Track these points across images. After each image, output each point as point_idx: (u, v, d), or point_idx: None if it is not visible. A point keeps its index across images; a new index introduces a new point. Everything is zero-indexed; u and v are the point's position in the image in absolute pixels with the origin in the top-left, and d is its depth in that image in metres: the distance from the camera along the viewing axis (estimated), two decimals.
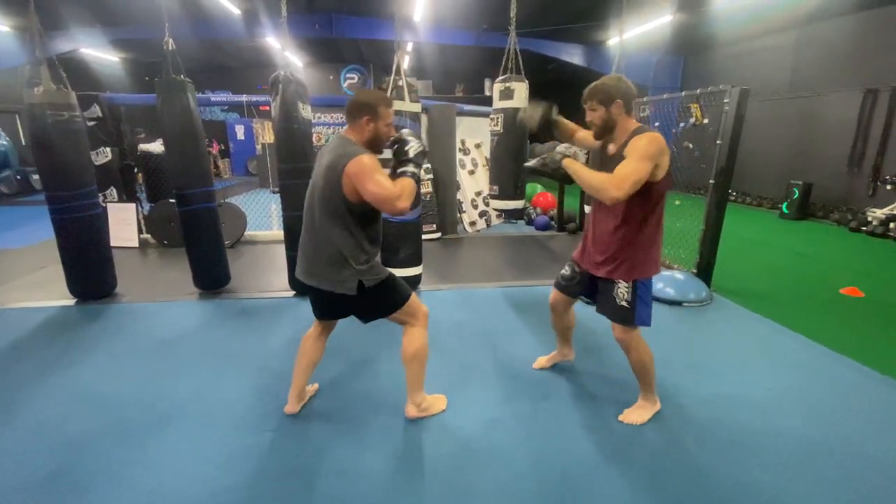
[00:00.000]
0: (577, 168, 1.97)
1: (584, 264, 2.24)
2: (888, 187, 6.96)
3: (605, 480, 1.84)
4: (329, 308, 2.11)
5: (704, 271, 4.08)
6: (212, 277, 3.94)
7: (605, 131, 2.03)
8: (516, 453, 2.00)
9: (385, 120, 1.93)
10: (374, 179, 1.78)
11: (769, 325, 3.38)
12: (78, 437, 2.08)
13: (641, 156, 1.82)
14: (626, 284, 2.05)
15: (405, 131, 2.05)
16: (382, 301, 2.01)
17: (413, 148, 1.97)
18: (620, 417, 2.24)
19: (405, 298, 2.04)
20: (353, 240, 1.90)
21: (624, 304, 2.06)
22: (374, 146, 1.94)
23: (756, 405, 2.36)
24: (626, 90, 1.96)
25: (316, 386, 2.43)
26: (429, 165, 5.88)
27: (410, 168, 1.95)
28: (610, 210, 2.01)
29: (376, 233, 2.02)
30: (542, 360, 2.74)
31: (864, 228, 6.82)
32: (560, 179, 2.05)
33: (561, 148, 2.09)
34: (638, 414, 2.24)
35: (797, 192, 7.91)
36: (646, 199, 1.92)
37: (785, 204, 8.01)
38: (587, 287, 2.28)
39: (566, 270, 2.36)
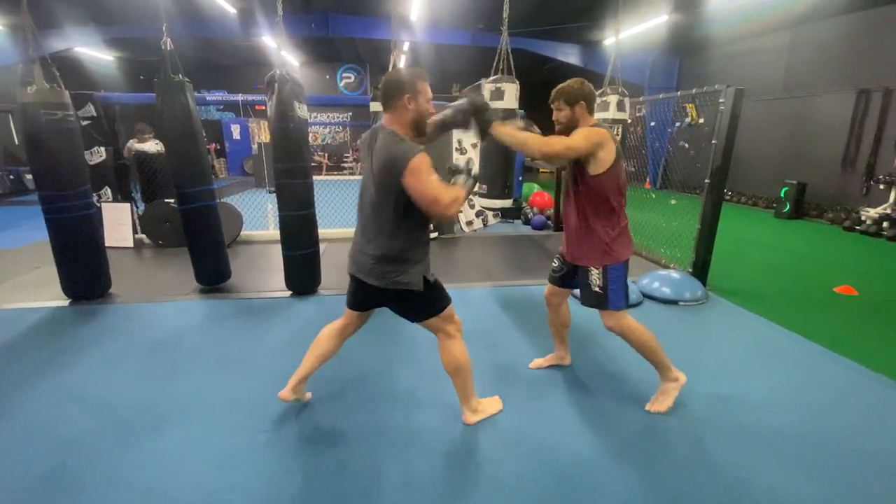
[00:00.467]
0: (507, 130, 2.04)
1: (566, 256, 2.38)
2: (881, 187, 7.01)
3: (601, 479, 1.85)
4: (368, 300, 2.10)
5: (700, 270, 4.09)
6: (213, 273, 4.02)
7: (569, 129, 2.16)
8: (512, 453, 2.00)
9: (426, 95, 1.87)
10: (427, 181, 1.76)
11: (764, 324, 3.40)
12: (73, 438, 2.07)
13: (578, 135, 2.06)
14: (597, 270, 2.18)
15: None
16: (433, 300, 2.01)
17: (463, 160, 2.01)
18: (647, 407, 2.30)
19: (447, 303, 2.04)
20: (408, 236, 1.89)
21: (597, 289, 2.19)
22: (418, 127, 1.88)
23: (751, 403, 2.38)
24: (589, 92, 2.15)
25: (309, 395, 2.38)
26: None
27: (462, 178, 1.93)
28: (572, 203, 2.23)
29: (427, 230, 2.02)
30: (538, 361, 2.76)
31: (857, 227, 6.87)
32: (483, 128, 2.05)
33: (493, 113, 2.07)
34: (661, 401, 2.31)
35: (783, 191, 7.97)
36: (593, 192, 2.13)
37: (787, 206, 8.04)
38: (572, 278, 2.40)
39: (555, 262, 2.50)
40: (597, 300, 2.20)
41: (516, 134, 2.04)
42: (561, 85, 2.17)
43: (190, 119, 3.61)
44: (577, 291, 2.37)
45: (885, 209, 6.77)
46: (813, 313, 3.63)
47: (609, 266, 2.17)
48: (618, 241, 2.18)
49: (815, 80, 8.31)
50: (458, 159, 2.04)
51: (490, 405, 2.30)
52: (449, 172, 1.98)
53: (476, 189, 6.93)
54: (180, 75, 3.55)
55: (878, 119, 7.20)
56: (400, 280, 1.89)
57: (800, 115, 8.62)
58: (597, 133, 2.05)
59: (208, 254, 3.93)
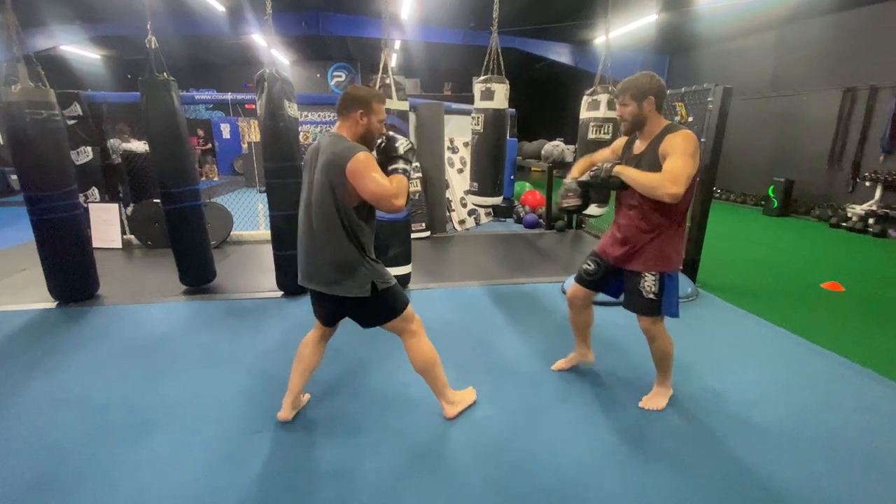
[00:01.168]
0: (629, 171, 1.99)
1: (609, 258, 2.25)
2: (867, 184, 7.12)
3: (594, 478, 1.86)
4: (334, 312, 2.06)
5: (690, 267, 4.13)
6: (197, 274, 3.98)
7: (635, 126, 2.07)
8: (507, 450, 2.01)
9: (378, 115, 1.90)
10: (371, 177, 1.76)
11: (753, 320, 3.44)
12: (61, 442, 2.04)
13: (684, 151, 1.89)
14: (652, 277, 2.10)
15: (391, 132, 2.03)
16: (388, 305, 1.97)
17: (403, 145, 1.95)
18: (641, 404, 2.33)
19: (405, 304, 2.02)
20: (360, 241, 1.88)
21: (651, 296, 2.11)
22: (366, 142, 1.91)
23: (740, 399, 2.40)
24: (659, 87, 2.01)
25: (307, 396, 2.38)
26: (417, 164, 5.87)
27: (401, 165, 1.92)
28: (638, 206, 2.08)
29: (374, 232, 1.99)
30: (560, 363, 2.71)
31: (844, 224, 6.98)
32: (613, 188, 2.08)
33: (605, 165, 2.10)
34: (656, 401, 2.34)
35: (771, 189, 8.07)
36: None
37: (775, 203, 8.13)
38: (609, 282, 2.33)
39: (589, 265, 2.36)
40: (650, 307, 2.13)
41: (640, 176, 1.96)
42: (628, 79, 2.04)
43: (175, 118, 3.57)
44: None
45: (870, 206, 6.88)
46: (800, 309, 3.68)
47: (666, 273, 2.10)
48: (677, 249, 2.13)
49: (803, 79, 8.42)
50: (396, 142, 2.06)
51: (466, 396, 2.31)
52: (383, 156, 1.94)
53: (468, 187, 6.93)
54: (165, 74, 3.50)
55: (864, 117, 7.30)
56: (350, 287, 1.87)
57: (787, 113, 8.73)
58: (691, 138, 1.92)
59: (192, 255, 3.89)
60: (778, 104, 8.90)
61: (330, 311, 2.07)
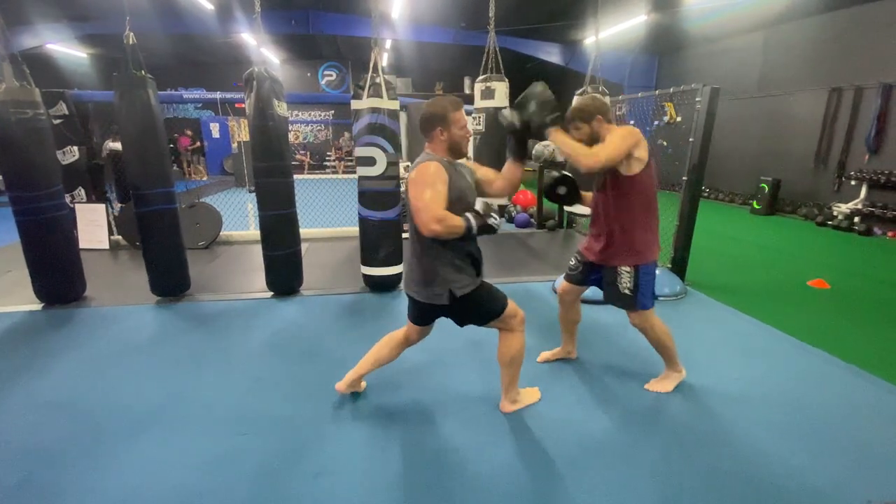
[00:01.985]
0: (560, 137, 2.06)
1: (588, 255, 2.39)
2: (853, 183, 7.23)
3: (578, 474, 1.87)
4: (424, 314, 2.12)
5: (679, 266, 4.17)
6: (170, 283, 3.76)
7: (593, 142, 2.20)
8: (500, 449, 2.02)
9: (458, 124, 1.92)
10: (421, 188, 1.80)
11: (741, 318, 3.48)
12: (48, 445, 2.01)
13: (615, 138, 2.09)
14: (627, 272, 2.22)
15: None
16: (475, 309, 2.03)
17: (490, 205, 1.94)
18: (647, 386, 2.45)
19: (501, 308, 2.05)
20: (438, 250, 1.92)
21: (626, 291, 2.24)
22: (454, 152, 1.95)
23: (728, 395, 2.43)
24: (602, 106, 2.20)
25: (364, 384, 2.43)
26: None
27: (473, 220, 1.82)
28: (606, 202, 2.24)
29: (467, 245, 1.97)
30: (545, 354, 2.81)
31: (830, 223, 7.08)
32: (553, 162, 2.18)
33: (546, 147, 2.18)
34: (663, 384, 2.44)
35: (766, 187, 8.16)
36: (630, 191, 2.17)
37: (755, 200, 8.25)
38: (589, 277, 2.45)
39: (572, 261, 2.52)
40: (624, 301, 2.27)
41: (568, 142, 2.06)
42: (573, 106, 2.27)
43: (151, 117, 3.41)
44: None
45: (856, 205, 6.98)
46: (787, 306, 3.73)
47: (640, 266, 2.21)
48: (650, 242, 2.23)
49: (789, 79, 8.52)
50: (485, 206, 2.05)
51: (529, 396, 2.37)
52: (482, 207, 1.90)
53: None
54: (142, 71, 3.39)
55: (850, 117, 7.41)
56: (429, 295, 1.97)
57: (774, 113, 8.84)
58: (630, 132, 2.09)
59: (164, 262, 3.68)
60: (765, 104, 9.01)
61: (420, 313, 2.13)
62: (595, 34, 4.60)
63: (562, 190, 2.41)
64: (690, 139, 3.96)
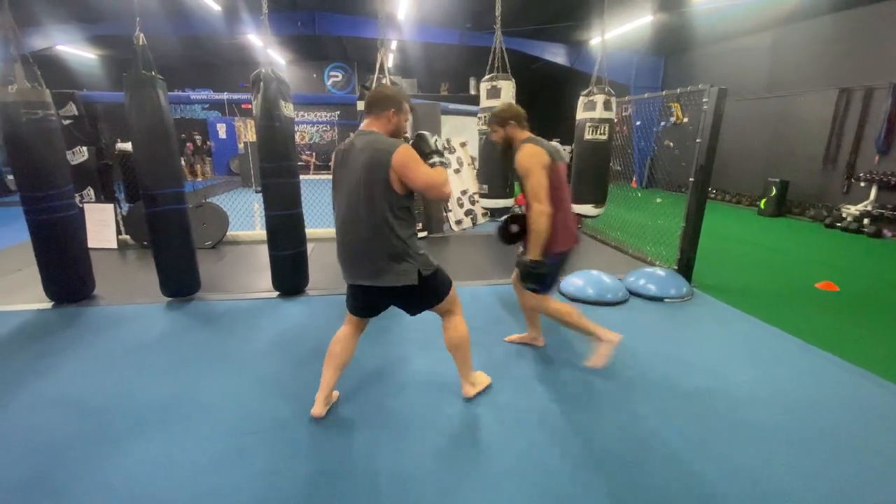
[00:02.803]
0: (532, 247, 2.36)
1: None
2: (862, 184, 7.16)
3: (589, 477, 1.87)
4: (378, 303, 2.15)
5: (685, 268, 4.15)
6: (180, 284, 3.74)
7: (507, 143, 2.54)
8: (504, 450, 2.02)
9: (406, 115, 2.07)
10: (422, 167, 1.91)
11: (748, 320, 3.46)
12: (55, 443, 2.04)
13: (528, 170, 2.32)
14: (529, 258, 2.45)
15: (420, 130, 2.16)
16: (434, 290, 2.11)
17: (434, 140, 2.05)
18: (587, 362, 2.56)
19: (449, 287, 2.16)
20: (406, 231, 1.97)
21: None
22: (395, 137, 2.07)
23: (735, 398, 2.42)
24: (517, 112, 2.51)
25: (337, 393, 2.37)
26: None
27: (437, 158, 2.01)
28: (525, 201, 2.45)
29: (415, 223, 2.09)
30: (514, 336, 3.03)
31: (838, 224, 7.02)
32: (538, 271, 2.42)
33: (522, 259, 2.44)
34: (598, 359, 2.53)
35: (774, 189, 8.10)
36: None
37: (763, 200, 8.19)
38: None
39: (519, 249, 2.66)
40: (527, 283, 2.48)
41: (535, 242, 2.33)
42: (493, 111, 2.57)
43: (160, 117, 3.42)
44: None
45: (865, 206, 6.92)
46: (795, 309, 3.70)
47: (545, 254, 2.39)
48: (554, 235, 2.37)
49: (798, 80, 8.46)
50: (428, 138, 2.15)
51: (481, 378, 2.48)
52: (418, 152, 2.01)
53: (464, 187, 6.92)
54: (152, 71, 3.41)
55: (859, 117, 7.35)
56: (399, 276, 1.97)
57: (782, 114, 8.77)
58: (534, 155, 2.33)
59: (174, 263, 3.67)
60: (773, 105, 8.95)
61: (372, 303, 2.15)
62: (601, 34, 4.58)
63: (514, 228, 2.58)
64: (697, 140, 3.94)
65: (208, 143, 14.25)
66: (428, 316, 2.23)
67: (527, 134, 2.49)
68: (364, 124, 2.03)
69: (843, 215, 7.11)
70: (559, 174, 2.39)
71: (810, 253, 5.68)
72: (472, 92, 15.07)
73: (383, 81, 3.58)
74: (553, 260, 2.42)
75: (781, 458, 1.97)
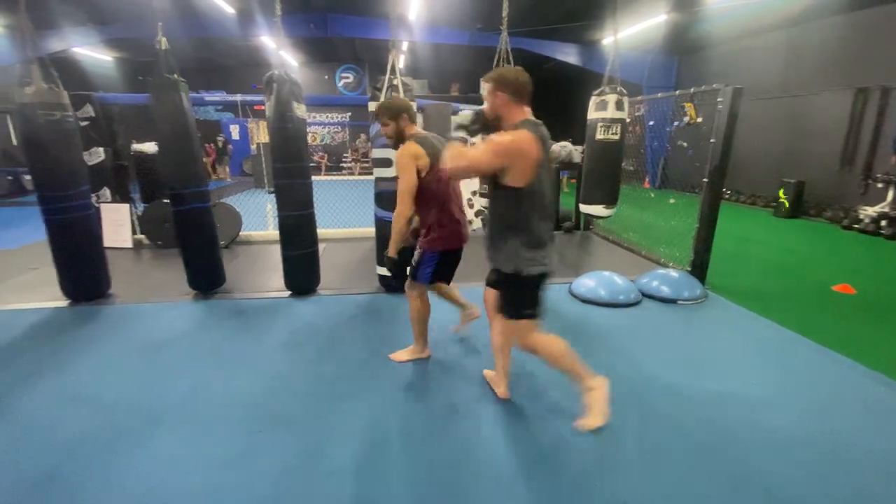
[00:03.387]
0: (392, 237, 2.46)
1: None
2: (879, 185, 7.02)
3: (597, 475, 1.85)
4: None
5: (699, 269, 4.10)
6: (207, 278, 3.90)
7: (399, 139, 2.51)
8: (515, 452, 2.01)
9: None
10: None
11: (763, 323, 3.40)
12: (70, 439, 2.07)
13: (400, 170, 2.39)
14: (419, 251, 2.58)
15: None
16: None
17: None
18: (393, 356, 2.78)
19: None
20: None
21: (413, 263, 2.60)
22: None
23: (749, 401, 2.38)
24: (409, 106, 2.53)
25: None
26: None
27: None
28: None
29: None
30: (458, 327, 3.13)
31: (855, 226, 6.89)
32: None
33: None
34: (400, 354, 2.80)
35: (789, 190, 7.98)
36: (418, 193, 2.42)
37: (778, 201, 8.06)
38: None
39: None
40: (411, 272, 2.60)
41: (392, 240, 2.47)
42: (383, 102, 2.58)
43: (184, 119, 3.53)
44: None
45: (882, 208, 6.78)
46: (811, 312, 3.64)
47: (426, 250, 2.54)
48: (437, 233, 2.51)
49: (814, 79, 8.32)
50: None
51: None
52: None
53: (476, 188, 6.91)
54: (175, 74, 3.50)
55: (876, 118, 7.21)
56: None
57: (798, 113, 8.64)
58: (411, 155, 2.37)
59: (201, 259, 3.82)
60: (788, 105, 8.81)
61: None
62: (614, 34, 4.55)
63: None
64: (711, 140, 3.89)
65: (229, 145, 14.45)
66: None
67: (414, 129, 2.52)
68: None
69: (861, 217, 6.97)
70: (438, 174, 2.38)
71: (827, 255, 5.58)
72: (483, 92, 15.02)
73: (395, 83, 3.58)
74: (431, 256, 2.53)
75: (798, 462, 1.94)
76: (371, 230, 4.12)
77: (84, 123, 5.18)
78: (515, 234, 1.95)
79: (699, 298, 3.79)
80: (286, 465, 1.92)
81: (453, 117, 2.12)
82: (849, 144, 7.65)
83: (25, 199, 9.31)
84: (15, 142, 10.59)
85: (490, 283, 2.30)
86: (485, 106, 2.04)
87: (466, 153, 1.89)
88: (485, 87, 2.02)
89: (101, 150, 5.37)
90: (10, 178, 10.05)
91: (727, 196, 9.65)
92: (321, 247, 4.02)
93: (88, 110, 5.27)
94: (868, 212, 6.89)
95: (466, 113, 2.09)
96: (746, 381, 2.58)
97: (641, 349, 2.92)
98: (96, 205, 5.17)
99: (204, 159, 13.34)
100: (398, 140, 2.52)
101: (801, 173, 8.14)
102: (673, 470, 1.90)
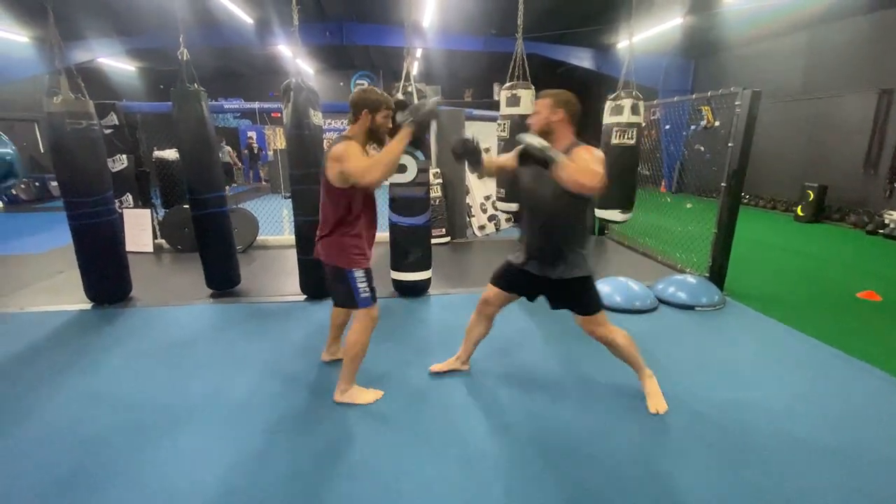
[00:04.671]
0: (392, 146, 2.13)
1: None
2: None
3: (618, 483, 1.83)
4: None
5: (717, 275, 4.03)
6: (223, 278, 4.06)
7: (373, 138, 2.27)
8: (526, 458, 2.00)
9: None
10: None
11: (783, 330, 3.33)
12: (93, 438, 2.12)
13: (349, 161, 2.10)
14: (331, 267, 2.32)
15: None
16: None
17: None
18: (336, 398, 2.39)
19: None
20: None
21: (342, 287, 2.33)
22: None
23: (770, 410, 2.33)
24: (375, 99, 2.20)
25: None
26: (437, 170, 5.90)
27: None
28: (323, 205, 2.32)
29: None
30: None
31: (881, 231, 6.71)
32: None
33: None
34: (345, 393, 2.39)
35: (811, 194, 7.81)
36: (335, 202, 2.19)
37: (799, 206, 7.90)
38: None
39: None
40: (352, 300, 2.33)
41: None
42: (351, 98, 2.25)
43: (204, 127, 3.69)
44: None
45: None
46: (834, 319, 3.55)
47: (343, 269, 2.28)
48: (349, 247, 2.26)
49: (835, 81, 8.16)
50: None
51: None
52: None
53: (488, 192, 6.91)
54: (196, 84, 3.63)
55: None
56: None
57: (819, 116, 8.46)
58: (335, 152, 2.10)
59: (218, 259, 3.99)
60: (809, 107, 8.64)
61: None
62: (629, 38, 4.52)
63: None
64: (730, 144, 3.84)
65: (261, 150, 14.82)
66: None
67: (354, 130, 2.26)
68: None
69: (886, 221, 6.78)
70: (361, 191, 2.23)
71: (851, 260, 5.44)
72: (496, 98, 15.05)
73: (409, 89, 3.62)
74: (350, 273, 2.27)
75: (822, 472, 1.89)
76: (385, 235, 4.15)
77: (108, 131, 5.32)
78: (583, 240, 2.16)
79: (717, 305, 3.72)
80: (301, 467, 1.94)
81: (524, 136, 2.03)
82: (873, 147, 7.47)
83: (52, 205, 9.59)
84: (42, 149, 10.94)
85: (546, 293, 2.33)
86: (533, 119, 2.14)
87: (589, 166, 1.95)
88: (540, 103, 2.12)
89: (124, 157, 5.52)
90: (37, 184, 10.37)
91: (746, 200, 9.48)
92: None
93: (112, 119, 5.42)
94: (893, 216, 6.71)
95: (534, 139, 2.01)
96: (767, 389, 2.53)
97: (659, 356, 2.88)
98: (119, 210, 5.31)
99: (236, 165, 13.64)
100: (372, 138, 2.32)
101: (823, 177, 7.96)
102: (693, 479, 1.86)
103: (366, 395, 2.41)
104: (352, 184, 2.09)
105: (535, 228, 2.22)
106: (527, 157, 2.10)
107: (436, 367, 2.69)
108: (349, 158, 2.06)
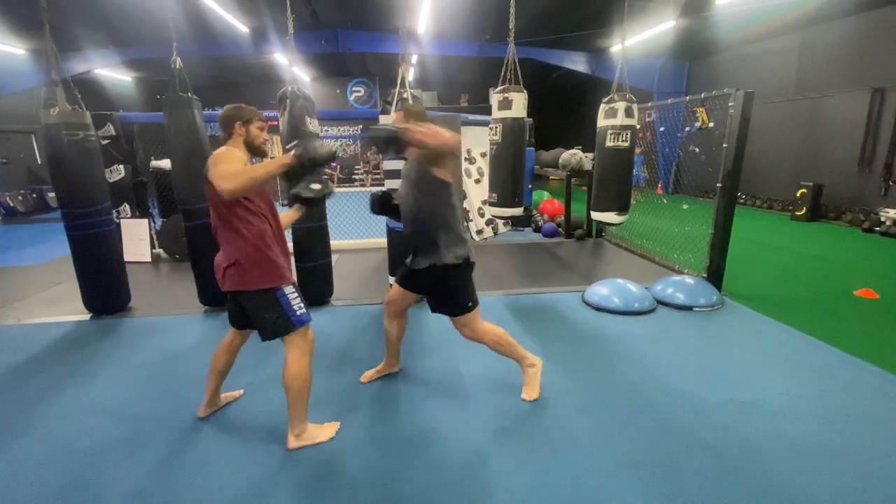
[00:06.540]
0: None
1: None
2: None
3: (617, 485, 1.83)
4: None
5: (715, 275, 4.05)
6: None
7: (251, 149, 2.10)
8: (523, 465, 2.00)
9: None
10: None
11: (782, 329, 3.34)
12: (93, 450, 2.11)
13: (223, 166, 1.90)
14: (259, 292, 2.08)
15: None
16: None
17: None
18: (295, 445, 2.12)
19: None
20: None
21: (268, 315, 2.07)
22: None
23: (770, 410, 2.33)
24: (241, 112, 2.07)
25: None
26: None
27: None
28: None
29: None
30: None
31: (877, 229, 6.74)
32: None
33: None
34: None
35: (807, 193, 7.84)
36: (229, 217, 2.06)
37: (796, 205, 7.93)
38: None
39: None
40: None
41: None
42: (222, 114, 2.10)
43: (196, 136, 3.60)
44: None
45: None
46: (832, 317, 3.56)
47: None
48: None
49: (828, 81, 8.22)
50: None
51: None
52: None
53: (486, 197, 6.93)
54: (189, 93, 3.59)
55: (895, 117, 7.08)
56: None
57: (813, 116, 8.52)
58: (217, 156, 1.93)
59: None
60: (803, 107, 8.70)
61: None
62: (622, 41, 4.56)
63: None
64: (724, 145, 3.87)
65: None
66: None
67: (237, 140, 2.09)
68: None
69: (882, 219, 6.82)
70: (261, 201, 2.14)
71: (847, 259, 5.46)
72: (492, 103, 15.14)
73: (404, 96, 3.64)
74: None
75: (822, 474, 1.89)
76: (383, 241, 4.16)
77: (105, 142, 5.33)
78: (446, 231, 2.22)
79: (715, 305, 3.73)
80: (306, 475, 1.93)
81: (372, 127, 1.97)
82: (867, 145, 7.52)
83: (49, 216, 9.58)
84: (39, 161, 10.94)
85: (423, 290, 2.37)
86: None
87: (432, 129, 1.97)
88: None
89: (121, 167, 5.53)
90: (34, 195, 10.36)
91: (742, 200, 9.52)
92: (334, 258, 4.06)
93: (109, 129, 5.43)
94: (889, 214, 6.74)
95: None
96: (766, 389, 2.54)
97: (657, 357, 2.89)
98: (117, 220, 5.31)
99: None
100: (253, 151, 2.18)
101: (818, 176, 8.01)
102: (691, 480, 1.87)
103: (324, 432, 2.16)
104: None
105: (407, 223, 2.31)
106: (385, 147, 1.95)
107: (367, 376, 2.68)
108: (223, 161, 1.88)
